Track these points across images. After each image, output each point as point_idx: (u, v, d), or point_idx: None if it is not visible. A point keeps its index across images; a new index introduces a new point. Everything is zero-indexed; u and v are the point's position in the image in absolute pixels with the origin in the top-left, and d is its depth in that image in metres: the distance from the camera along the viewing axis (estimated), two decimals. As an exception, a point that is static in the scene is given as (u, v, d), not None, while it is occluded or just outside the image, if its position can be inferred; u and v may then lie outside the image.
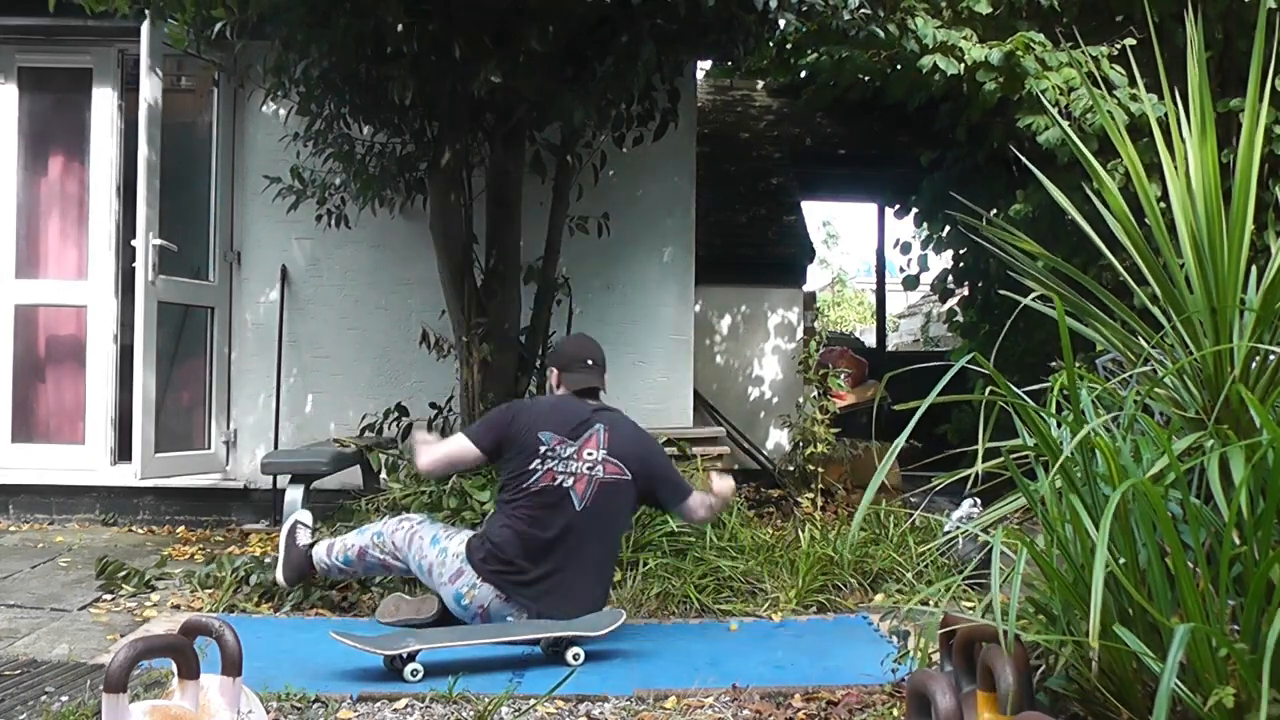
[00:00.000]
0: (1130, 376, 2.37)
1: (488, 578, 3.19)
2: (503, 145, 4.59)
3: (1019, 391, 2.17)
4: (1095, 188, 2.45)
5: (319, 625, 3.45)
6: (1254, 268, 2.36)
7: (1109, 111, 2.60)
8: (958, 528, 3.72)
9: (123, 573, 3.85)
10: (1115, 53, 4.95)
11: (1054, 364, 2.30)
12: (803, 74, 6.57)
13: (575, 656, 3.03)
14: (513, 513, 3.23)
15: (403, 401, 5.06)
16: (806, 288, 7.17)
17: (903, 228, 8.66)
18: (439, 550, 3.28)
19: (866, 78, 5.78)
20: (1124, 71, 4.91)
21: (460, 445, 3.39)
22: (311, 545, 3.54)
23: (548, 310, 4.90)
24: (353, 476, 4.73)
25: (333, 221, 4.98)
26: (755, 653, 3.15)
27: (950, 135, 6.14)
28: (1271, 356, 2.16)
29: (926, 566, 3.87)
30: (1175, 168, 2.34)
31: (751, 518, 4.58)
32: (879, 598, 3.77)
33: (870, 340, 10.90)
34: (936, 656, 2.27)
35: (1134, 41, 4.93)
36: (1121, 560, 1.90)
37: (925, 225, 7.64)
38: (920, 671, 2.03)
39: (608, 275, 5.55)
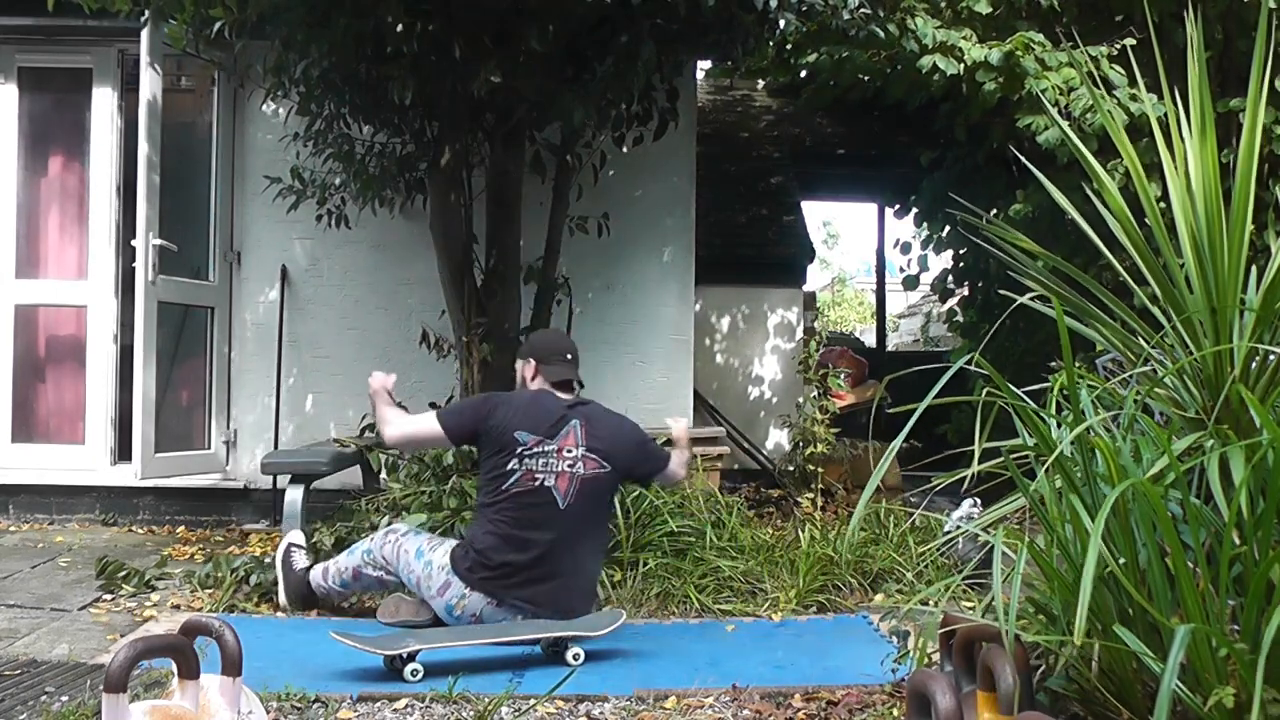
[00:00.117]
0: (1130, 376, 2.37)
1: (476, 586, 3.18)
2: (503, 145, 4.59)
3: (1018, 392, 2.17)
4: (1095, 188, 2.45)
5: (319, 625, 3.44)
6: (1254, 268, 2.36)
7: (1109, 111, 2.60)
8: (958, 528, 3.72)
9: (123, 573, 3.85)
10: (1115, 53, 4.96)
11: (1054, 364, 2.30)
12: (803, 74, 6.57)
13: (575, 656, 3.03)
14: (495, 516, 3.22)
15: (403, 401, 5.05)
16: (806, 288, 7.18)
17: (903, 228, 8.68)
18: (424, 564, 3.28)
19: (866, 78, 5.78)
20: (1124, 71, 4.91)
21: (429, 426, 3.38)
22: (308, 569, 3.56)
23: (548, 310, 4.90)
24: (353, 476, 4.74)
25: (333, 221, 4.98)
26: (755, 653, 3.15)
27: (950, 135, 6.14)
28: (1271, 356, 2.16)
29: (926, 566, 3.87)
30: (1175, 168, 2.34)
31: (751, 518, 4.58)
32: (879, 598, 3.77)
33: (870, 340, 10.90)
34: (936, 656, 2.27)
35: (1134, 41, 4.93)
36: (1121, 560, 1.90)
37: (925, 225, 7.65)
38: (920, 671, 2.03)
39: (608, 275, 5.55)
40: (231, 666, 1.96)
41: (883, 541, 4.11)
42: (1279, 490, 1.72)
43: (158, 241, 4.79)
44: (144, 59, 4.81)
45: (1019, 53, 4.97)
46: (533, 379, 3.46)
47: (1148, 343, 2.30)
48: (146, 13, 4.58)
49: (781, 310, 6.72)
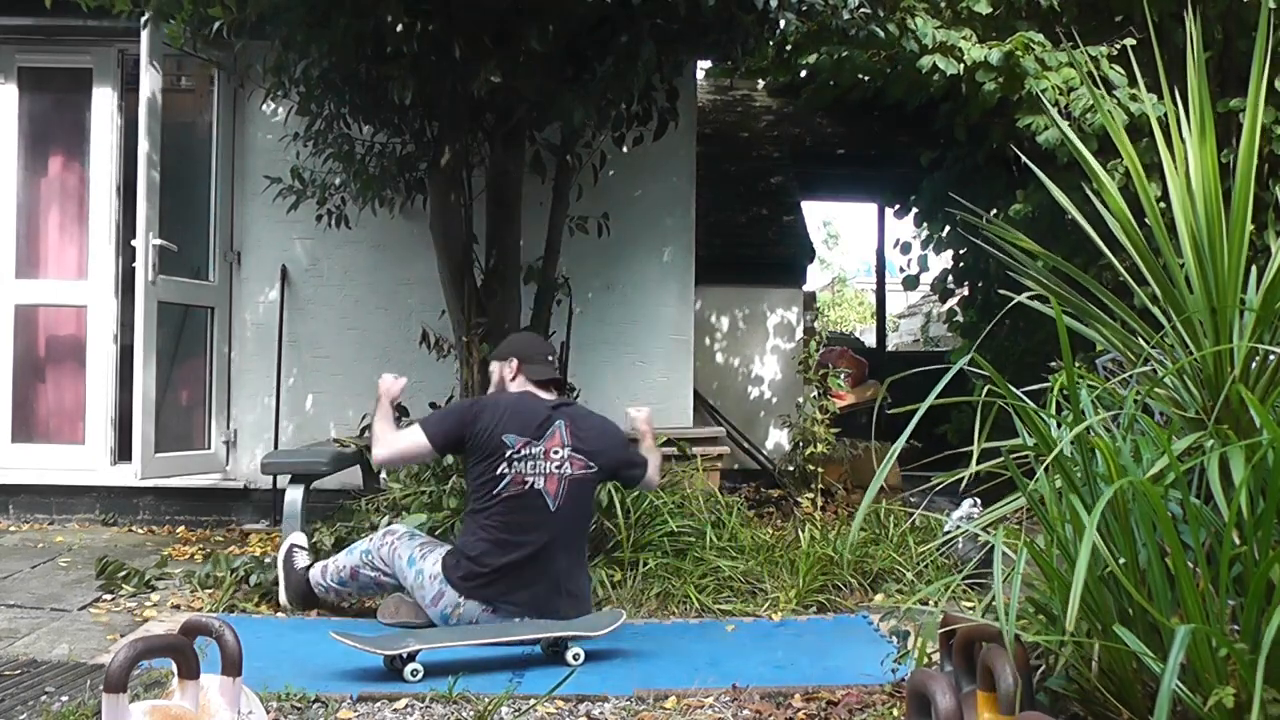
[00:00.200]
0: (1130, 376, 2.37)
1: (471, 594, 3.17)
2: (503, 145, 4.59)
3: (1018, 392, 2.17)
4: (1095, 188, 2.45)
5: (319, 625, 3.44)
6: (1254, 268, 2.36)
7: (1109, 111, 2.60)
8: (958, 528, 3.72)
9: (123, 573, 3.85)
10: (1115, 53, 4.96)
11: (1054, 364, 2.30)
12: (803, 74, 6.57)
13: (575, 656, 3.03)
14: (486, 522, 3.20)
15: (402, 401, 5.05)
16: (806, 288, 7.18)
17: (903, 228, 8.67)
18: (415, 572, 3.27)
19: (866, 78, 5.78)
20: (1124, 71, 4.91)
21: (415, 440, 3.32)
22: (309, 568, 3.56)
23: (548, 310, 4.90)
24: (353, 476, 4.74)
25: (333, 221, 4.98)
26: (755, 653, 3.15)
27: (950, 135, 6.14)
28: (1271, 356, 2.16)
29: (926, 566, 3.87)
30: (1175, 168, 2.34)
31: (751, 518, 4.59)
32: (879, 598, 3.77)
33: (870, 340, 10.90)
34: (936, 656, 2.27)
35: (1134, 41, 4.93)
36: (1121, 560, 1.90)
37: (925, 225, 7.65)
38: (920, 671, 2.03)
39: (608, 275, 5.55)
40: (231, 666, 1.96)
41: (883, 541, 4.11)
42: (1279, 490, 1.72)
43: (158, 241, 4.79)
44: (144, 59, 4.81)
45: (1019, 53, 4.97)
46: (513, 379, 3.42)
47: (1148, 343, 2.30)
48: (146, 13, 4.58)
49: (781, 310, 6.72)
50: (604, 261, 5.45)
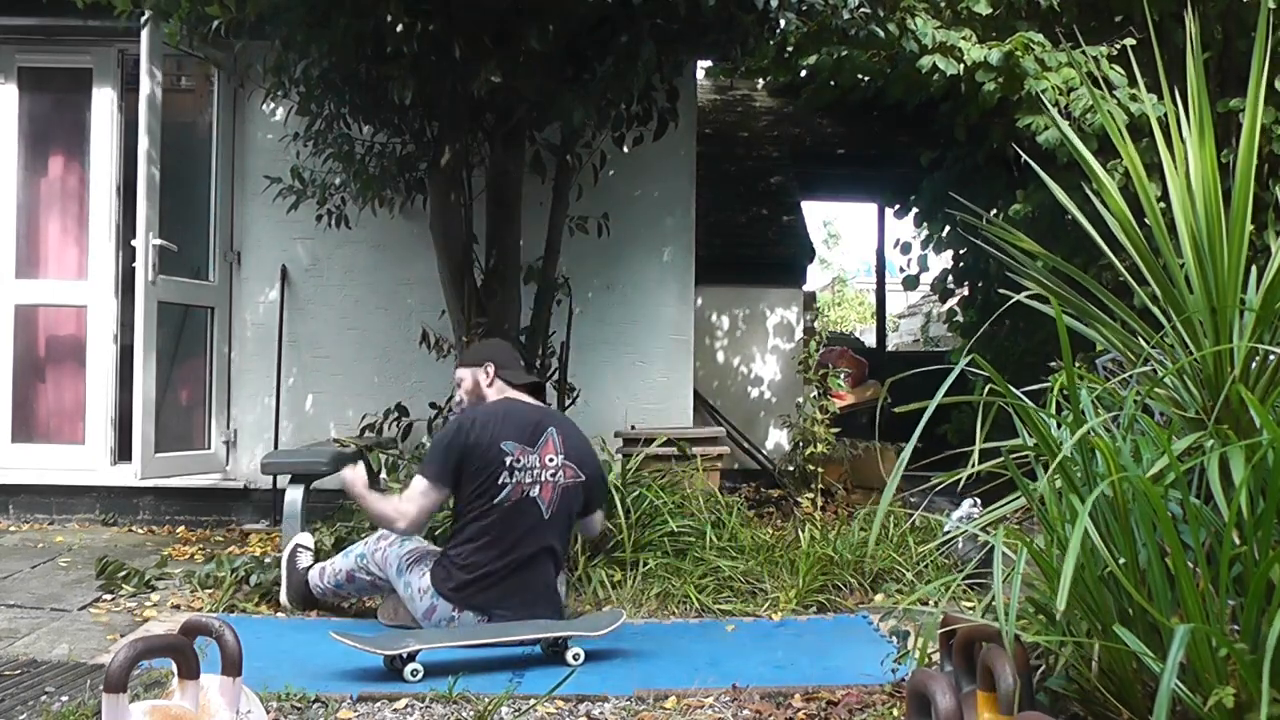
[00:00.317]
0: (1130, 376, 2.37)
1: (465, 604, 3.16)
2: (503, 145, 4.59)
3: (1018, 392, 2.17)
4: (1095, 188, 2.45)
5: (319, 625, 3.44)
6: (1254, 268, 2.36)
7: (1109, 111, 2.59)
8: (958, 528, 3.72)
9: (123, 573, 3.85)
10: (1115, 53, 4.96)
11: (1054, 364, 2.30)
12: (803, 74, 6.57)
13: (575, 656, 3.03)
14: (479, 531, 3.17)
15: (403, 401, 5.07)
16: (806, 288, 7.18)
17: (903, 228, 8.67)
18: (404, 584, 3.27)
19: (866, 78, 5.79)
20: (1124, 71, 4.91)
21: (426, 495, 3.19)
22: (309, 568, 3.56)
23: (548, 310, 4.90)
24: (353, 476, 4.73)
25: (333, 221, 4.98)
26: (755, 653, 3.15)
27: (950, 135, 6.14)
28: (1271, 356, 2.16)
29: (926, 566, 3.87)
30: (1175, 168, 2.34)
31: (751, 518, 4.59)
32: (879, 598, 3.77)
33: (870, 340, 10.91)
34: (936, 656, 2.27)
35: (1134, 41, 4.93)
36: (1121, 560, 1.90)
37: (925, 225, 7.65)
38: (920, 671, 2.03)
39: (608, 275, 5.55)
40: (231, 666, 1.96)
41: (883, 541, 4.11)
42: (1279, 490, 1.72)
43: (158, 241, 4.79)
44: (144, 59, 4.81)
45: (1019, 53, 4.97)
46: (490, 384, 3.38)
47: (1148, 343, 2.30)
48: (146, 12, 4.58)
49: (781, 310, 6.72)
50: (604, 261, 5.45)
